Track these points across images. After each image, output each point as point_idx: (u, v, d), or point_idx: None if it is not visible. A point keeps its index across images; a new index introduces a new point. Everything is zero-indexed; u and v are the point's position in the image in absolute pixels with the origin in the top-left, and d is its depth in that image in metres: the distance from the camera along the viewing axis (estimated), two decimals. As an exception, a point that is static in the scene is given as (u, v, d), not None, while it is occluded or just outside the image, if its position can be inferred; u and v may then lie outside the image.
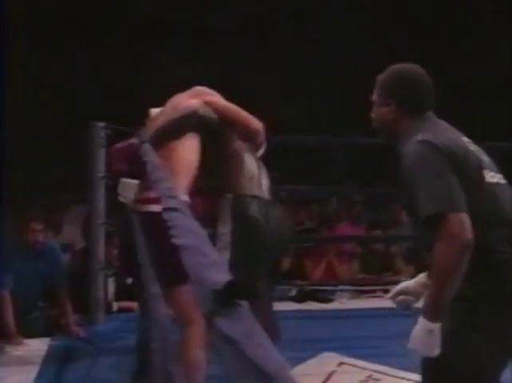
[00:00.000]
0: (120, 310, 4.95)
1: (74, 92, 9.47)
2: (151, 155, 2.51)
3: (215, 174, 3.04)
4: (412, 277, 5.68)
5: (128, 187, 4.15)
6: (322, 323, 4.65)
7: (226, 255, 2.77)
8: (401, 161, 2.06)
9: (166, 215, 1.57)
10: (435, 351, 1.99)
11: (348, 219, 6.66)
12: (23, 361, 3.86)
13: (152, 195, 2.42)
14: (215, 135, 2.97)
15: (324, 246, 6.26)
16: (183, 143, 2.82)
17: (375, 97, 2.27)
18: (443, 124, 2.21)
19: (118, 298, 5.00)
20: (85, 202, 5.21)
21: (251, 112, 3.05)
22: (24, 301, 4.26)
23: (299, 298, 5.52)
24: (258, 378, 0.84)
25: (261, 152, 3.13)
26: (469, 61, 10.07)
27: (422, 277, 2.39)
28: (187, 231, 1.38)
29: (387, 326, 4.47)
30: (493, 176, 2.10)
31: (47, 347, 4.08)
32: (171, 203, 1.63)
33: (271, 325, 2.65)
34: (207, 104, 2.97)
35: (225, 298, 0.98)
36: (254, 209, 2.90)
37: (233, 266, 2.67)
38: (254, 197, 2.94)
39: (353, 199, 6.80)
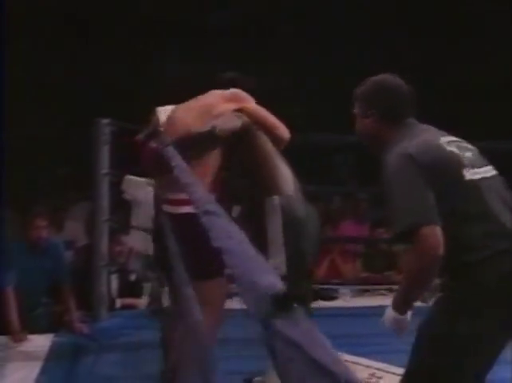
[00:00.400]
0: (124, 307, 4.96)
1: (74, 92, 9.47)
2: (177, 159, 2.51)
3: (251, 177, 3.07)
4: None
5: (134, 184, 4.17)
6: (325, 321, 4.60)
7: (282, 256, 2.83)
8: (383, 172, 2.15)
9: (204, 219, 1.55)
10: (404, 333, 2.24)
11: (352, 217, 6.66)
12: (27, 357, 3.87)
13: (182, 196, 2.44)
14: (245, 140, 2.97)
15: (328, 245, 6.26)
16: (203, 155, 2.88)
17: (356, 110, 2.33)
18: (424, 129, 2.26)
19: (121, 294, 5.00)
20: (88, 199, 5.22)
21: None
22: (28, 297, 4.26)
23: (302, 296, 5.52)
24: (326, 379, 0.83)
25: None
26: (469, 61, 10.06)
27: None
28: (229, 234, 1.37)
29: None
30: (475, 172, 2.12)
31: (51, 343, 4.09)
32: (209, 207, 1.62)
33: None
34: (241, 110, 2.97)
35: (283, 302, 0.97)
36: (300, 210, 2.95)
37: (288, 267, 2.74)
38: (294, 197, 2.98)
39: (357, 198, 6.80)
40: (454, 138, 2.23)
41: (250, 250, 1.22)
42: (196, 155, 2.86)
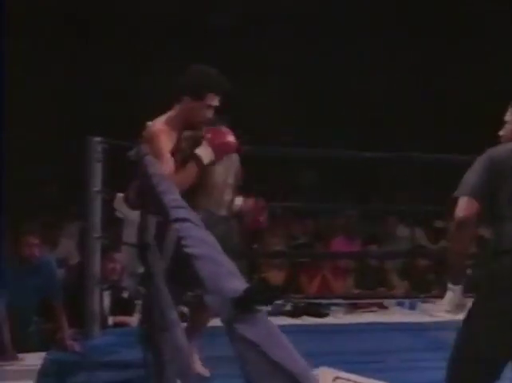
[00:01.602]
0: (116, 325, 4.95)
1: (74, 97, 9.48)
2: (155, 167, 2.54)
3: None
4: (406, 292, 5.74)
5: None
6: (317, 338, 4.65)
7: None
8: None
9: (177, 226, 1.58)
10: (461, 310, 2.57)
11: (343, 233, 6.68)
12: (18, 376, 3.84)
13: None
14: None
15: (319, 261, 6.27)
16: None
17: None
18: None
19: (113, 312, 4.99)
20: (82, 217, 5.21)
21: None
22: (20, 315, 4.25)
23: (294, 313, 5.52)
24: (283, 379, 0.85)
25: None
26: (469, 61, 10.11)
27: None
28: (199, 241, 1.39)
29: (383, 341, 4.49)
30: None
31: (42, 361, 4.07)
32: (181, 214, 1.64)
33: None
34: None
35: (245, 304, 0.99)
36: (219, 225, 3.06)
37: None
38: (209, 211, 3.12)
39: (347, 214, 6.82)
40: None
41: (220, 255, 1.25)
42: None
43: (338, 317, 5.59)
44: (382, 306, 5.98)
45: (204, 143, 3.19)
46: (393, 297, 6.08)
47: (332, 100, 10.31)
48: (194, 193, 3.15)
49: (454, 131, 9.57)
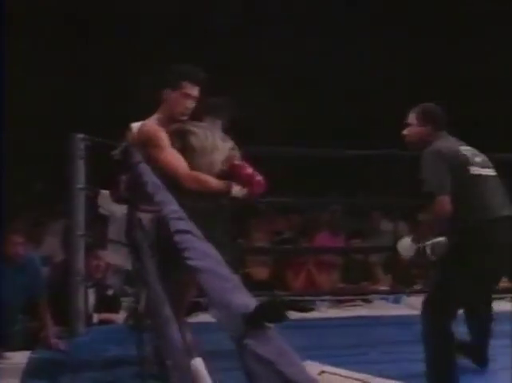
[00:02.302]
0: (101, 322, 4.94)
1: (74, 98, 9.46)
2: (150, 175, 2.53)
3: None
4: (391, 286, 5.81)
5: (110, 199, 4.16)
6: (302, 332, 4.66)
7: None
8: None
9: (177, 238, 1.55)
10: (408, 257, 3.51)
11: (327, 228, 6.70)
12: (3, 375, 3.83)
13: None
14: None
15: (304, 256, 6.29)
16: None
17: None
18: (450, 138, 3.51)
19: (98, 309, 4.98)
20: (66, 214, 5.19)
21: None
22: (4, 314, 4.23)
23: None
24: None
25: None
26: (469, 61, 10.15)
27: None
28: (202, 254, 1.37)
29: (368, 335, 4.52)
30: (478, 170, 3.35)
31: (27, 360, 4.06)
32: (182, 226, 1.61)
33: None
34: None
35: (256, 321, 0.99)
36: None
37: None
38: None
39: (332, 209, 6.84)
40: (469, 147, 3.45)
41: (225, 269, 1.23)
42: None
43: (323, 312, 5.61)
44: (366, 300, 6.00)
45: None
46: (378, 292, 6.11)
47: (330, 100, 10.35)
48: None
49: (455, 131, 9.59)
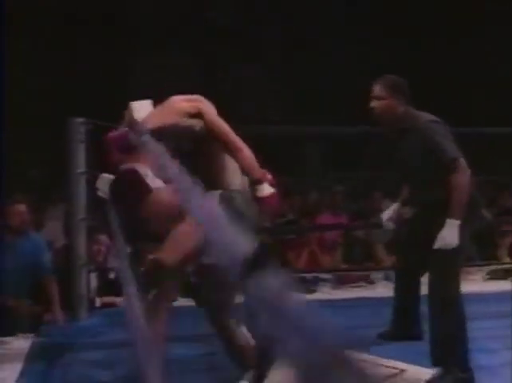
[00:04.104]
0: (103, 306, 4.95)
1: (74, 91, 9.46)
2: (153, 143, 2.52)
3: (200, 171, 3.11)
4: (393, 266, 5.81)
5: (108, 182, 4.15)
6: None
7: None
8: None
9: (181, 194, 1.60)
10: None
11: (329, 209, 6.69)
12: (7, 359, 3.85)
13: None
14: (200, 139, 3.04)
15: (306, 237, 6.28)
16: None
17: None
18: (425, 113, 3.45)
19: (101, 293, 4.99)
20: (66, 199, 5.19)
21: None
22: (9, 297, 4.27)
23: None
24: (299, 331, 0.86)
25: None
26: (469, 61, 10.12)
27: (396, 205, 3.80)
28: (205, 206, 1.41)
29: (371, 315, 4.51)
30: None
31: (31, 344, 4.07)
32: (183, 185, 1.65)
33: None
34: (199, 111, 3.03)
35: (256, 263, 1.02)
36: (238, 202, 2.98)
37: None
38: (238, 191, 3.03)
39: (333, 190, 6.83)
40: None
41: (224, 219, 1.26)
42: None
43: (326, 293, 5.61)
44: (369, 281, 6.01)
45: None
46: (380, 269, 6.11)
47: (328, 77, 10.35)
48: (221, 174, 3.11)
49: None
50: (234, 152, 3.04)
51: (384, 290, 5.70)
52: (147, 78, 9.76)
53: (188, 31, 9.89)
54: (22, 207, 4.43)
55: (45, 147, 8.40)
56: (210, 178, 3.02)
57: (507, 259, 6.42)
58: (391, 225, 3.79)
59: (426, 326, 3.80)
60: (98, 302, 4.94)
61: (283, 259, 6.14)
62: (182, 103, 3.06)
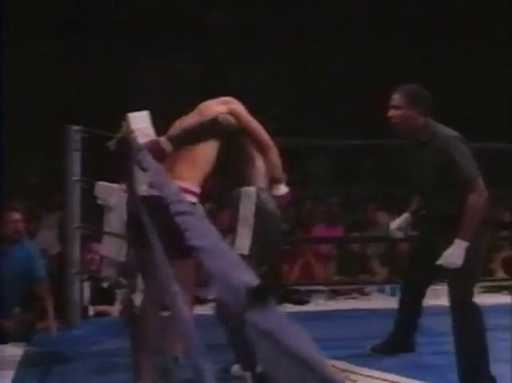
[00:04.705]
0: (96, 314, 4.93)
1: (74, 92, 9.45)
2: (150, 161, 2.54)
3: (230, 167, 3.30)
4: (387, 279, 5.79)
5: (106, 190, 4.15)
6: (298, 324, 4.65)
7: (248, 239, 3.02)
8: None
9: (179, 219, 1.59)
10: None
11: (324, 220, 6.68)
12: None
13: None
14: (232, 136, 3.19)
15: (301, 248, 6.27)
16: (202, 145, 3.09)
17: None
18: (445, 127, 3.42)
19: (94, 302, 4.98)
20: (61, 206, 5.18)
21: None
22: (3, 305, 4.25)
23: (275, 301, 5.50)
24: (296, 362, 0.87)
25: None
26: (469, 61, 10.13)
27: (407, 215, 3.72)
28: (202, 233, 1.40)
29: (364, 327, 4.51)
30: None
31: (23, 352, 4.05)
32: (182, 207, 1.64)
33: None
34: (231, 111, 3.16)
35: (258, 295, 1.03)
36: (271, 203, 3.15)
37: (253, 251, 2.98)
38: (265, 189, 3.18)
39: (329, 201, 6.82)
40: None
41: (225, 247, 1.26)
42: (191, 143, 3.07)
43: (319, 304, 5.61)
44: (363, 293, 6.00)
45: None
46: (374, 282, 6.11)
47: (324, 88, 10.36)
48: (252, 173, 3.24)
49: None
50: (264, 151, 3.16)
51: (377, 301, 5.70)
52: (146, 84, 9.76)
53: (188, 35, 9.91)
54: (17, 216, 4.40)
55: (44, 152, 8.38)
56: (240, 174, 3.20)
57: (501, 273, 6.43)
58: (400, 234, 3.76)
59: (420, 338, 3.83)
60: (91, 310, 4.92)
61: (277, 270, 6.13)
62: (214, 107, 3.18)
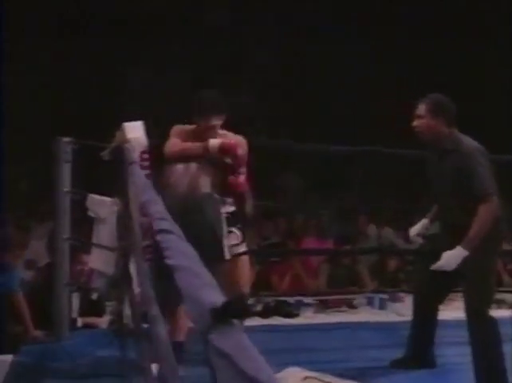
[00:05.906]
0: (85, 326, 4.91)
1: (62, 99, 9.44)
2: (140, 176, 2.55)
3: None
4: (377, 290, 5.73)
5: (97, 202, 4.15)
6: (286, 337, 4.66)
7: None
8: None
9: (159, 237, 1.61)
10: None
11: (315, 233, 6.69)
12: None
13: None
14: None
15: (291, 261, 6.27)
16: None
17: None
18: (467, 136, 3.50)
19: (83, 313, 4.96)
20: (51, 217, 5.18)
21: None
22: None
23: (264, 313, 5.51)
24: None
25: None
26: (469, 61, 10.16)
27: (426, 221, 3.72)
28: (181, 253, 1.42)
29: (352, 340, 4.51)
30: None
31: (10, 364, 4.03)
32: (164, 225, 1.66)
33: None
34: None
35: (222, 317, 1.04)
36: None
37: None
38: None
39: (319, 213, 6.84)
40: None
41: (199, 266, 1.28)
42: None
43: (308, 317, 5.60)
44: (352, 306, 6.00)
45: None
46: (362, 292, 6.10)
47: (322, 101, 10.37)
48: None
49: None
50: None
51: (366, 315, 5.71)
52: (138, 94, 9.75)
53: (188, 35, 9.92)
54: None
55: (34, 159, 8.35)
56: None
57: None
58: (419, 240, 3.77)
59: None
60: (80, 322, 4.90)
61: (266, 283, 6.13)
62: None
